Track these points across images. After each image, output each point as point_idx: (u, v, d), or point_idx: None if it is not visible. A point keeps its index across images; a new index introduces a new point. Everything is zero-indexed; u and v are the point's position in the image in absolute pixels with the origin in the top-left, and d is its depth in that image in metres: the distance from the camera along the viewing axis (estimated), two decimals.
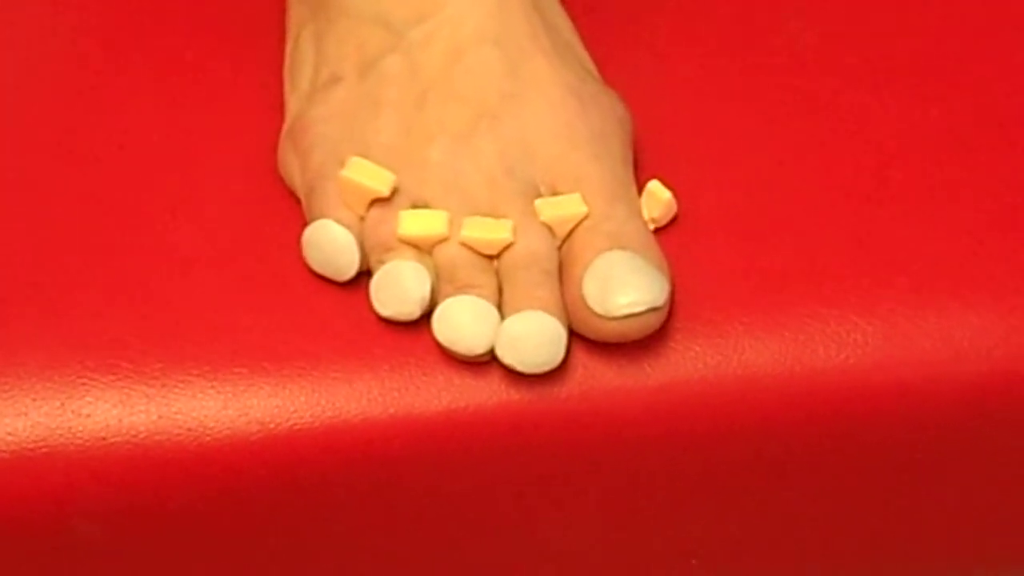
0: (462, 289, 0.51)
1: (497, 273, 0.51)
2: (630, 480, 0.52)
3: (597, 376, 0.51)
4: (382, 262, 0.51)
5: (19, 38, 0.59)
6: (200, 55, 0.58)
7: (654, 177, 0.53)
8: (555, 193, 0.52)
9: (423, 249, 0.51)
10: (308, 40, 0.55)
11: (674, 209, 0.53)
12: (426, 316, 0.51)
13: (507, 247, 0.51)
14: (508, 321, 0.50)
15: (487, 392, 0.51)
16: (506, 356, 0.50)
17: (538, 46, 0.53)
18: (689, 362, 0.51)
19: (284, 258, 0.53)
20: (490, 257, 0.51)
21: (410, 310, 0.51)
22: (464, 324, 0.50)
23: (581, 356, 0.51)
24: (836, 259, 0.53)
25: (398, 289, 0.51)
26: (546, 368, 0.50)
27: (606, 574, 0.55)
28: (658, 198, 0.53)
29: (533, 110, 0.52)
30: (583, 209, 0.51)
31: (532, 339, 0.50)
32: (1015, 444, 0.52)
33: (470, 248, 0.51)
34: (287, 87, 0.56)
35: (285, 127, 0.55)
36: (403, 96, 0.53)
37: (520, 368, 0.50)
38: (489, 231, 0.51)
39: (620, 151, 0.54)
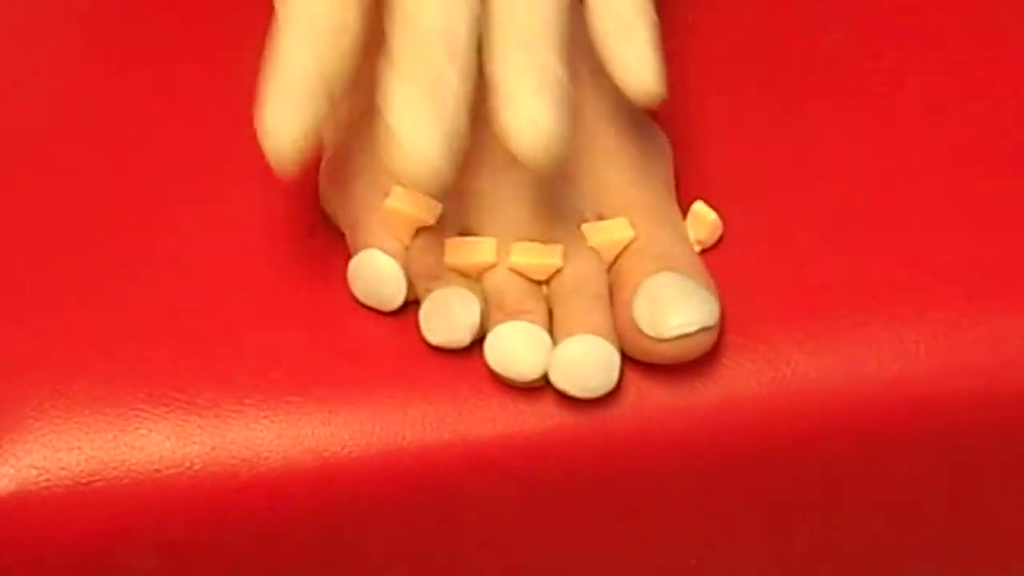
0: (513, 315, 0.50)
1: (547, 298, 0.51)
2: (687, 500, 0.52)
3: (650, 397, 0.51)
4: (430, 290, 0.51)
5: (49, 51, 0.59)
6: (242, 71, 0.58)
7: (696, 197, 0.54)
8: (600, 218, 0.52)
9: (471, 277, 0.52)
10: None
11: (719, 230, 0.53)
12: (477, 342, 0.51)
13: (556, 272, 0.51)
14: (562, 346, 0.50)
15: (541, 416, 0.50)
16: (560, 381, 0.50)
17: (576, 73, 0.53)
18: (742, 379, 0.51)
19: (332, 286, 0.52)
20: (539, 283, 0.52)
21: (460, 337, 0.51)
22: (517, 350, 0.50)
23: (633, 378, 0.51)
24: (884, 271, 0.53)
25: (448, 317, 0.51)
26: (601, 392, 0.50)
27: None
28: (703, 220, 0.53)
29: (576, 135, 0.52)
30: (630, 233, 0.51)
31: (587, 363, 0.50)
32: None
33: (519, 274, 0.51)
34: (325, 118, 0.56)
35: (324, 160, 0.55)
36: None
37: (575, 393, 0.50)
38: (538, 256, 0.51)
39: (662, 175, 0.54)
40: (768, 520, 0.53)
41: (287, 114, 0.49)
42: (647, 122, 0.55)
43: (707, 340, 0.50)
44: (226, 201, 0.55)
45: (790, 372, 0.51)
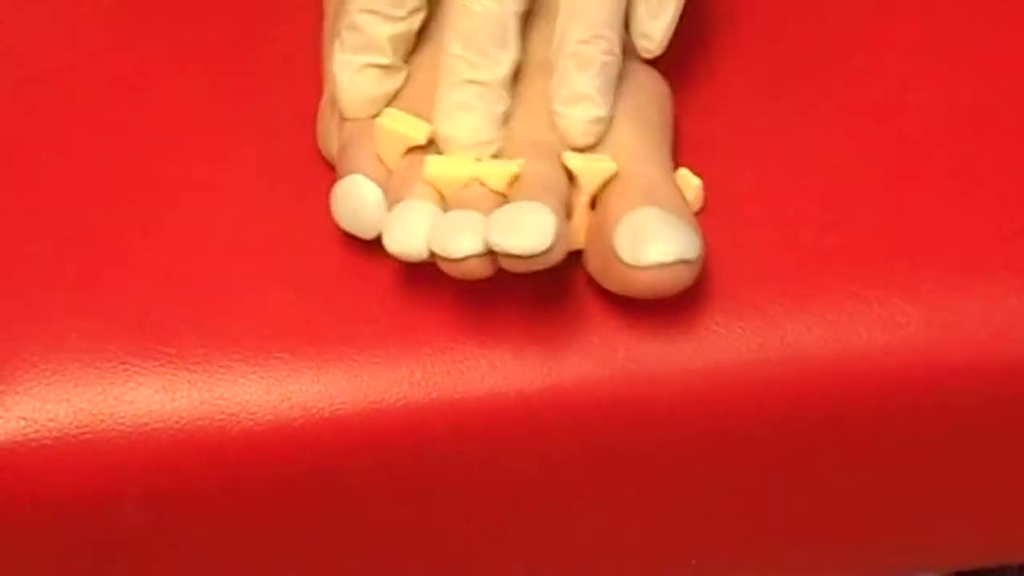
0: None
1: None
2: (673, 463, 0.52)
3: (638, 359, 0.51)
4: (399, 201, 0.51)
5: (51, 27, 0.59)
6: (233, 32, 0.58)
7: (690, 163, 0.53)
8: None
9: (447, 195, 0.51)
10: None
11: (702, 197, 0.53)
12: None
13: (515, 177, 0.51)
14: (498, 210, 0.49)
15: (528, 376, 0.51)
16: (492, 236, 0.48)
17: None
18: (731, 345, 0.51)
19: (324, 242, 0.52)
20: (503, 195, 0.51)
21: (415, 245, 0.50)
22: (455, 227, 0.49)
23: (622, 338, 0.51)
24: (877, 240, 0.52)
25: (409, 225, 0.50)
26: (537, 250, 0.48)
27: (646, 557, 0.55)
28: (688, 185, 0.53)
29: None
30: (612, 166, 0.51)
31: (519, 220, 0.48)
32: None
33: (481, 183, 0.51)
34: (326, 56, 0.56)
35: (326, 95, 0.55)
36: (438, 58, 0.53)
37: (508, 247, 0.48)
38: (500, 165, 0.51)
39: (657, 122, 0.54)
40: (757, 487, 0.53)
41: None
42: (645, 69, 0.55)
43: (686, 274, 0.50)
44: (220, 160, 0.55)
45: (779, 339, 0.51)
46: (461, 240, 0.48)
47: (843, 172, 0.54)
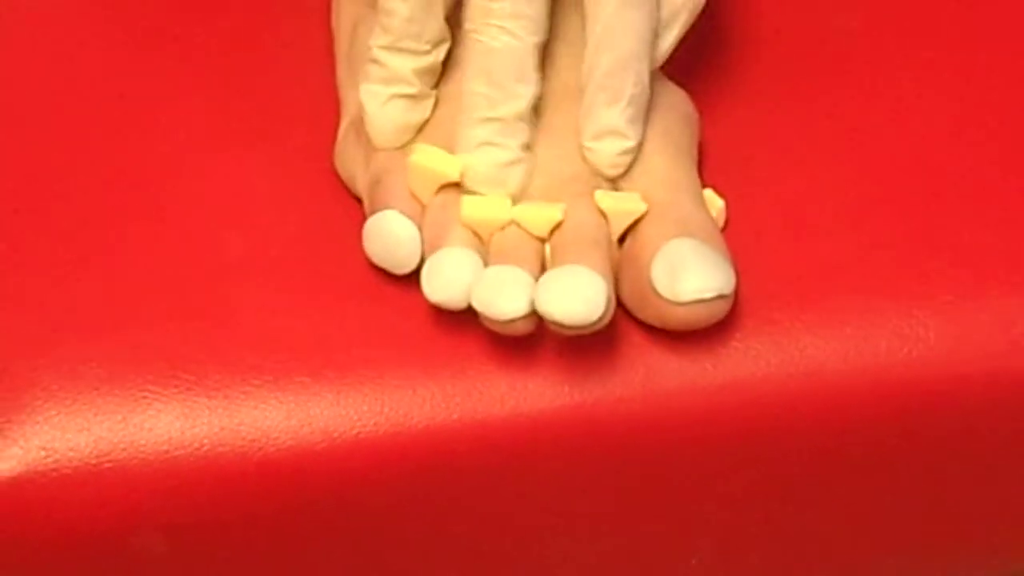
0: (505, 259, 0.50)
1: (548, 256, 0.51)
2: (696, 481, 0.52)
3: (658, 377, 0.51)
4: (436, 248, 0.51)
5: (58, 40, 0.59)
6: (246, 55, 0.58)
7: (709, 180, 0.53)
8: (616, 189, 0.52)
9: (483, 237, 0.51)
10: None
11: (724, 217, 0.53)
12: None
13: (557, 227, 0.51)
14: (548, 273, 0.49)
15: (549, 395, 0.50)
16: (541, 304, 0.48)
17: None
18: (751, 360, 0.51)
19: (341, 263, 0.52)
20: (543, 241, 0.51)
21: (457, 296, 0.50)
22: (501, 287, 0.49)
23: (643, 356, 0.51)
24: (893, 254, 0.53)
25: (448, 274, 0.50)
26: (585, 320, 0.48)
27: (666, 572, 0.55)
28: (711, 206, 0.53)
29: None
30: (642, 206, 0.51)
31: (572, 287, 0.48)
32: None
33: (522, 228, 0.51)
34: (346, 81, 0.56)
35: (346, 120, 0.55)
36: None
37: (558, 317, 0.48)
38: (541, 211, 0.51)
39: (687, 146, 0.53)
40: (776, 501, 0.53)
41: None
42: (674, 91, 0.54)
43: (722, 308, 0.50)
44: (236, 178, 0.55)
45: (799, 354, 0.51)
46: (507, 303, 0.49)
47: (857, 183, 0.54)
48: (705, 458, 0.51)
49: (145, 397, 0.50)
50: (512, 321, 0.49)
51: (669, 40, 0.53)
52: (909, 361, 0.51)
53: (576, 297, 0.48)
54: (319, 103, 0.56)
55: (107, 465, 0.49)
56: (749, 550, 0.54)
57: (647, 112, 0.52)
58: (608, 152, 0.52)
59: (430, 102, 0.53)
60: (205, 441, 0.50)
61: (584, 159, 0.52)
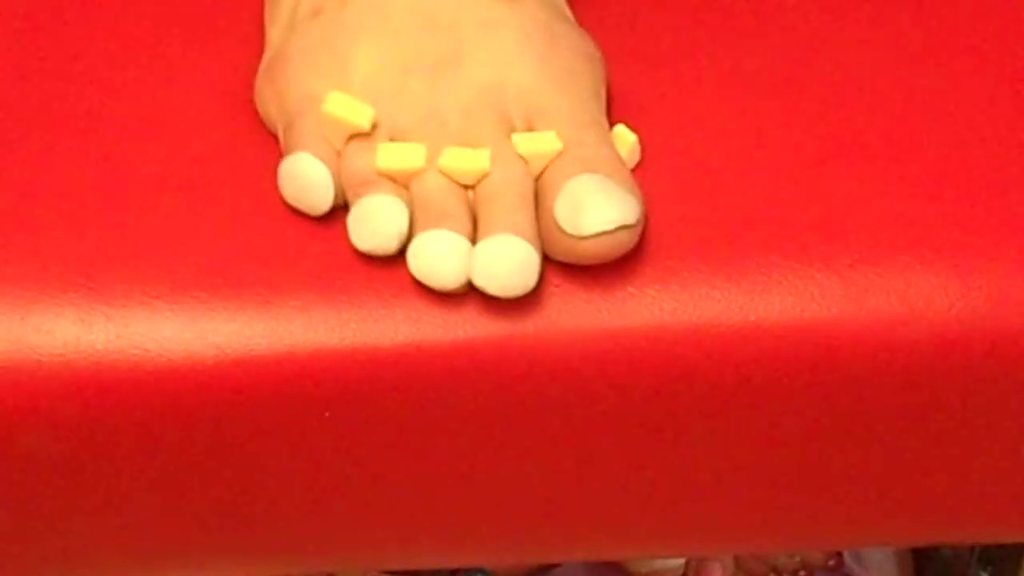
0: (437, 219, 0.51)
1: (472, 203, 0.52)
2: (584, 420, 0.52)
3: (550, 320, 0.51)
4: (359, 196, 0.52)
5: None
6: None
7: (622, 122, 0.54)
8: (529, 126, 0.53)
9: (400, 182, 0.52)
10: None
11: (638, 153, 0.54)
12: (403, 251, 0.51)
13: (484, 176, 0.52)
14: (481, 245, 0.50)
15: (444, 328, 0.51)
16: (479, 279, 0.50)
17: None
18: (644, 308, 0.51)
19: (259, 190, 0.53)
20: (467, 188, 0.52)
21: (388, 244, 0.51)
22: (439, 258, 0.50)
23: (552, 280, 0.51)
24: (798, 213, 0.53)
25: (376, 223, 0.51)
26: (520, 292, 0.50)
27: (560, 512, 0.55)
28: (623, 141, 0.53)
29: (507, 42, 0.53)
30: (558, 145, 0.52)
31: (505, 262, 0.50)
32: (967, 404, 0.52)
33: (447, 177, 0.52)
34: (267, 21, 0.56)
35: (264, 61, 0.55)
36: (381, 26, 0.53)
37: (494, 291, 0.50)
38: (467, 161, 0.52)
39: (591, 86, 0.54)
40: (656, 447, 0.53)
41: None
42: (580, 35, 0.55)
43: (627, 238, 0.50)
44: (158, 99, 0.55)
45: (693, 304, 0.51)
46: (446, 275, 0.50)
47: (773, 144, 0.54)
48: (593, 400, 0.52)
49: (44, 300, 0.51)
50: (454, 290, 0.50)
51: None
52: (802, 320, 0.51)
53: (511, 273, 0.50)
54: (255, 37, 0.57)
55: (2, 364, 0.50)
56: (641, 494, 0.54)
57: (550, 52, 0.53)
58: None
59: None
60: (100, 348, 0.50)
61: (490, 92, 0.53)
